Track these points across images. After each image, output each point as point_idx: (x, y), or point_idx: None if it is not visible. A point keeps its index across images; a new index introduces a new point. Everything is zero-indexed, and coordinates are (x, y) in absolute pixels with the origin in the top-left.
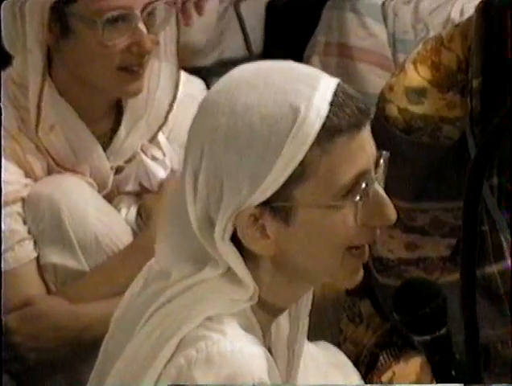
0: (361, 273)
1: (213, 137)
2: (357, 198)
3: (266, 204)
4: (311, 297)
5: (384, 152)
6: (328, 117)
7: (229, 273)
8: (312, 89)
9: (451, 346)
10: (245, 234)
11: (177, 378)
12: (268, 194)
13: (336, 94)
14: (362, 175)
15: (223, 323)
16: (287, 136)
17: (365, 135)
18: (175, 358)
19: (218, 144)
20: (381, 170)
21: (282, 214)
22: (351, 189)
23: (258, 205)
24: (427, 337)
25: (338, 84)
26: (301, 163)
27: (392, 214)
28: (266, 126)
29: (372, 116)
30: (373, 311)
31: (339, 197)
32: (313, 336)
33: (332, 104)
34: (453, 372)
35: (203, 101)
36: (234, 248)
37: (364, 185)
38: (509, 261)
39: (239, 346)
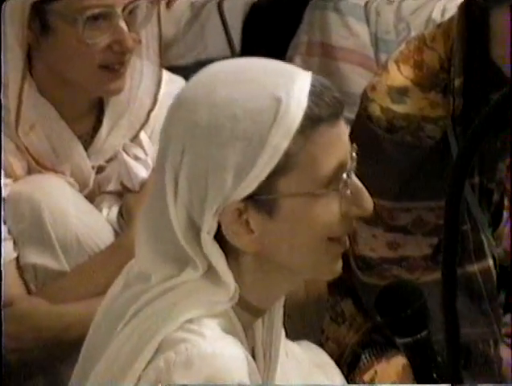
0: (341, 263)
1: (194, 132)
2: (340, 187)
3: (250, 198)
4: (282, 302)
5: (354, 145)
6: (308, 106)
7: (209, 273)
8: (291, 81)
9: (432, 349)
10: (229, 230)
11: (156, 380)
12: (253, 187)
13: (313, 84)
14: (342, 166)
15: (203, 325)
16: (271, 127)
17: (343, 126)
18: (154, 360)
19: (200, 138)
20: (354, 163)
21: (266, 207)
22: (333, 179)
23: (242, 199)
24: (409, 339)
25: (313, 76)
26: (285, 154)
27: (370, 205)
28: (249, 118)
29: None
30: (355, 310)
31: (322, 186)
32: (295, 335)
33: (310, 93)
34: (434, 375)
35: (178, 99)
36: (217, 246)
37: (345, 176)
38: (489, 260)
39: (219, 349)
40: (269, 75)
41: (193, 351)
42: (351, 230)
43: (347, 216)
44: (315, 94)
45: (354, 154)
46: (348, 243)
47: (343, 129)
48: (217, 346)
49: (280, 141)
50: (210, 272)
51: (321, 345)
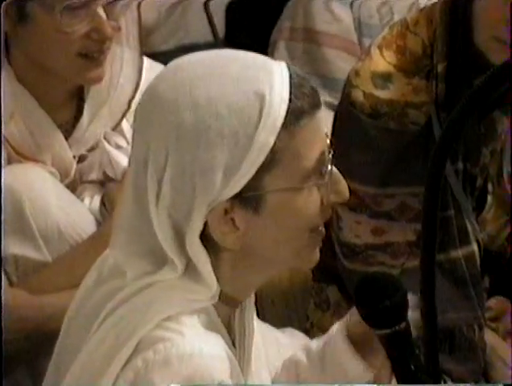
0: (318, 251)
1: (179, 134)
2: (326, 179)
3: (236, 196)
4: (253, 295)
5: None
6: (290, 100)
7: (188, 272)
8: (270, 74)
9: (410, 341)
10: (216, 229)
11: (134, 381)
12: (241, 185)
13: (291, 76)
14: (323, 155)
15: (181, 323)
16: (257, 124)
17: (321, 115)
18: (132, 360)
19: (186, 141)
20: (331, 151)
21: (252, 204)
22: (315, 170)
23: (228, 199)
24: (387, 330)
25: (289, 67)
26: (270, 151)
27: (346, 190)
28: (235, 116)
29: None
30: (340, 297)
31: (305, 179)
32: (280, 322)
33: (291, 86)
34: (412, 367)
35: (152, 100)
36: (203, 247)
37: (329, 167)
38: (474, 245)
39: (198, 348)
40: (247, 68)
41: (172, 350)
42: (329, 217)
43: (326, 205)
44: (295, 86)
45: (329, 141)
46: (324, 231)
47: (322, 119)
48: (196, 345)
49: (266, 138)
50: (189, 270)
51: (306, 332)
